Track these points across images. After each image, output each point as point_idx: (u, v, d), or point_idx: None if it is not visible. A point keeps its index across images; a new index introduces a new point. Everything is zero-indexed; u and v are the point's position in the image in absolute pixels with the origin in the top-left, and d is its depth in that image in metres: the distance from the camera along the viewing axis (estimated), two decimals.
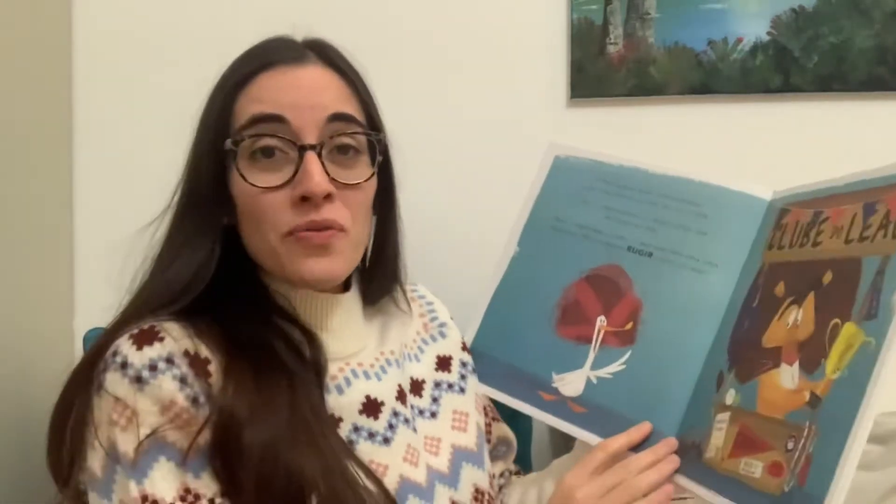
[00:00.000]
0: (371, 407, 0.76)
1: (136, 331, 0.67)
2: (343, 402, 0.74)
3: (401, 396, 0.79)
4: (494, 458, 0.94)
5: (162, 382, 0.65)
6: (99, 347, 0.68)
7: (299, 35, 0.80)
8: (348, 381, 0.76)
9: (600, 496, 0.73)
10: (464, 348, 0.91)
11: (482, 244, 1.06)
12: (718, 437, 0.74)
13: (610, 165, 0.93)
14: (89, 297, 1.20)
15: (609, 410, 0.83)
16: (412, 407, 0.81)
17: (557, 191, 0.95)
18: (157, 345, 0.66)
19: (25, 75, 1.13)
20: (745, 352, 0.77)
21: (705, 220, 0.85)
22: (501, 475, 0.94)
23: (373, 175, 0.76)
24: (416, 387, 0.83)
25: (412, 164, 1.27)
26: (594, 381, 0.85)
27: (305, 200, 0.70)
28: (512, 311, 0.93)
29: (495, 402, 0.93)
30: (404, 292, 0.88)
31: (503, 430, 0.95)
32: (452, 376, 0.87)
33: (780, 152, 1.22)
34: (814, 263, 0.74)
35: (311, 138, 0.71)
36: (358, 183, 0.74)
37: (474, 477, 0.81)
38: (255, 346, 0.71)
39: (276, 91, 0.72)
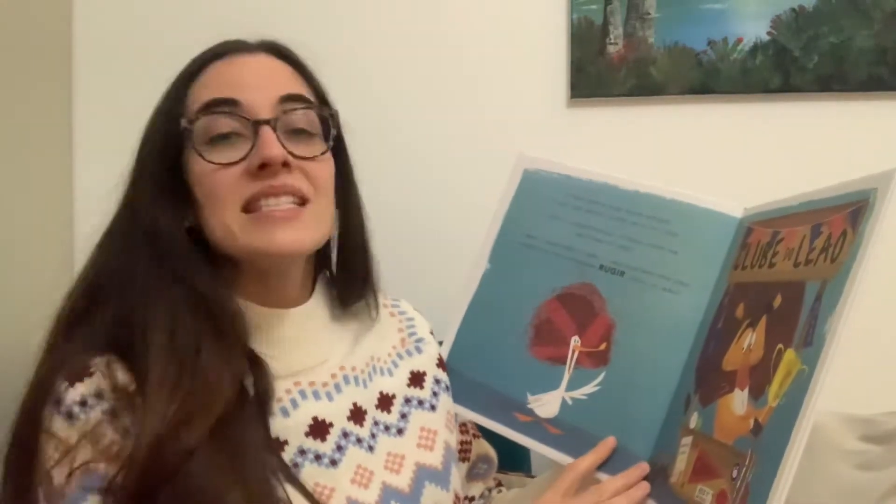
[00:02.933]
0: (318, 429, 0.74)
1: (68, 367, 0.68)
2: (289, 424, 0.73)
3: (355, 416, 0.78)
4: (475, 476, 0.93)
5: (91, 417, 0.66)
6: (38, 382, 0.69)
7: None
8: (295, 403, 0.74)
9: None
10: (440, 365, 0.89)
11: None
12: (682, 461, 0.73)
13: (579, 180, 0.91)
14: None
15: (584, 432, 0.82)
16: (376, 423, 0.79)
17: (527, 205, 0.94)
18: (87, 381, 0.67)
19: (25, 75, 1.13)
20: (708, 375, 0.75)
21: (676, 239, 0.85)
22: (481, 496, 0.94)
23: (328, 150, 0.76)
24: (385, 402, 0.82)
25: (411, 164, 1.28)
26: (569, 402, 0.85)
27: (263, 169, 0.70)
28: (485, 329, 0.92)
29: None
30: (376, 298, 0.85)
31: (484, 447, 0.94)
32: (424, 393, 0.85)
33: (780, 152, 1.21)
34: (768, 286, 0.71)
35: (264, 115, 0.72)
36: (314, 157, 0.74)
37: (437, 497, 0.79)
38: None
39: (228, 76, 0.74)
